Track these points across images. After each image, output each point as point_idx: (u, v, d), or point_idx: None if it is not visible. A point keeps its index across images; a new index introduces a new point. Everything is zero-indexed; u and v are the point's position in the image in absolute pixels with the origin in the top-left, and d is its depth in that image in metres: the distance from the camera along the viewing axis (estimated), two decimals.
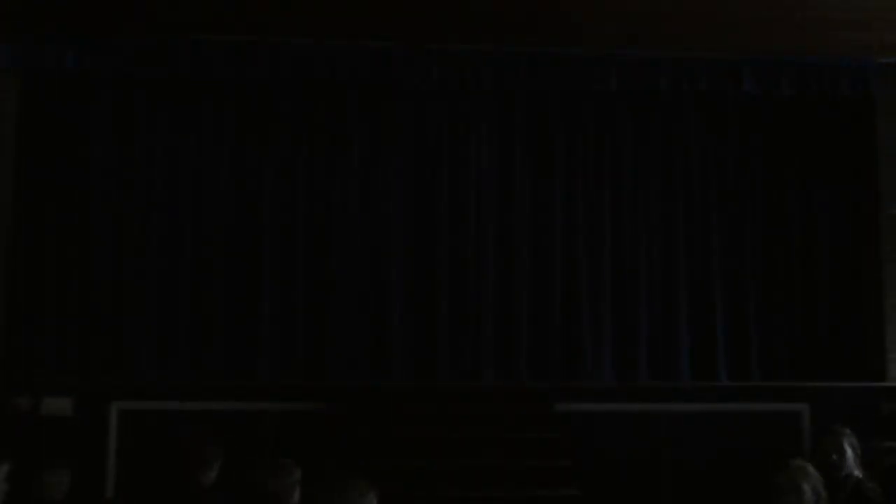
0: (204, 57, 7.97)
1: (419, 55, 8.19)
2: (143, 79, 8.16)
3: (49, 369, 7.84)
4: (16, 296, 7.98)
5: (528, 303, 8.44)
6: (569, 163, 8.66)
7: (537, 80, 8.33)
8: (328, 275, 8.31)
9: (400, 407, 7.45)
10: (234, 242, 8.28)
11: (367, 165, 8.48)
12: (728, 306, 8.63)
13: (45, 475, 5.34)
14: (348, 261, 8.32)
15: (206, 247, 8.23)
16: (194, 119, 8.37)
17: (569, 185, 8.64)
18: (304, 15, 7.61)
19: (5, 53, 7.84)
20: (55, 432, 7.24)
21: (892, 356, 8.40)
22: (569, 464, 6.91)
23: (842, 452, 5.36)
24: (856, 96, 8.51)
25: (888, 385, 8.17)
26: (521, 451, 7.01)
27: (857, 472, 5.29)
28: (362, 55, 8.13)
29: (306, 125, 8.48)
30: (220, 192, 8.31)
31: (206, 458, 5.40)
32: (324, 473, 4.10)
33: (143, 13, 7.56)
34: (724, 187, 8.83)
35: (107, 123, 8.26)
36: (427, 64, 8.21)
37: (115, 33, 7.86)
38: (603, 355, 8.43)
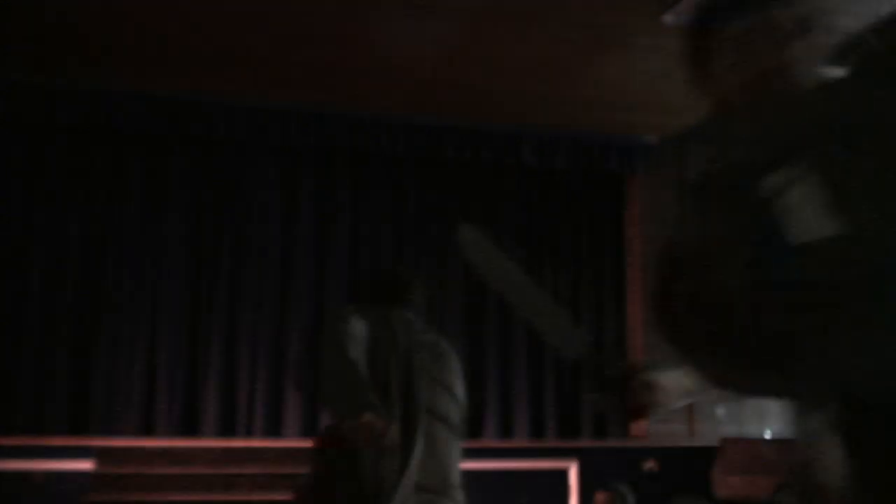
0: None
1: (206, 106, 8.11)
2: None
3: None
4: None
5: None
6: (353, 222, 8.70)
7: (324, 139, 8.41)
8: (96, 326, 7.93)
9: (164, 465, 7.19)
10: None
11: (146, 218, 8.20)
12: (498, 368, 8.82)
13: None
14: (117, 311, 7.98)
15: None
16: None
17: (352, 246, 8.65)
18: (86, 56, 7.39)
19: None
20: None
21: (651, 418, 8.89)
22: None
23: None
24: (622, 171, 9.12)
25: (648, 445, 8.63)
26: None
27: None
28: (145, 103, 7.97)
29: (83, 173, 8.11)
30: None
31: None
32: None
33: None
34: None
35: None
36: (214, 116, 8.14)
37: None
38: None
